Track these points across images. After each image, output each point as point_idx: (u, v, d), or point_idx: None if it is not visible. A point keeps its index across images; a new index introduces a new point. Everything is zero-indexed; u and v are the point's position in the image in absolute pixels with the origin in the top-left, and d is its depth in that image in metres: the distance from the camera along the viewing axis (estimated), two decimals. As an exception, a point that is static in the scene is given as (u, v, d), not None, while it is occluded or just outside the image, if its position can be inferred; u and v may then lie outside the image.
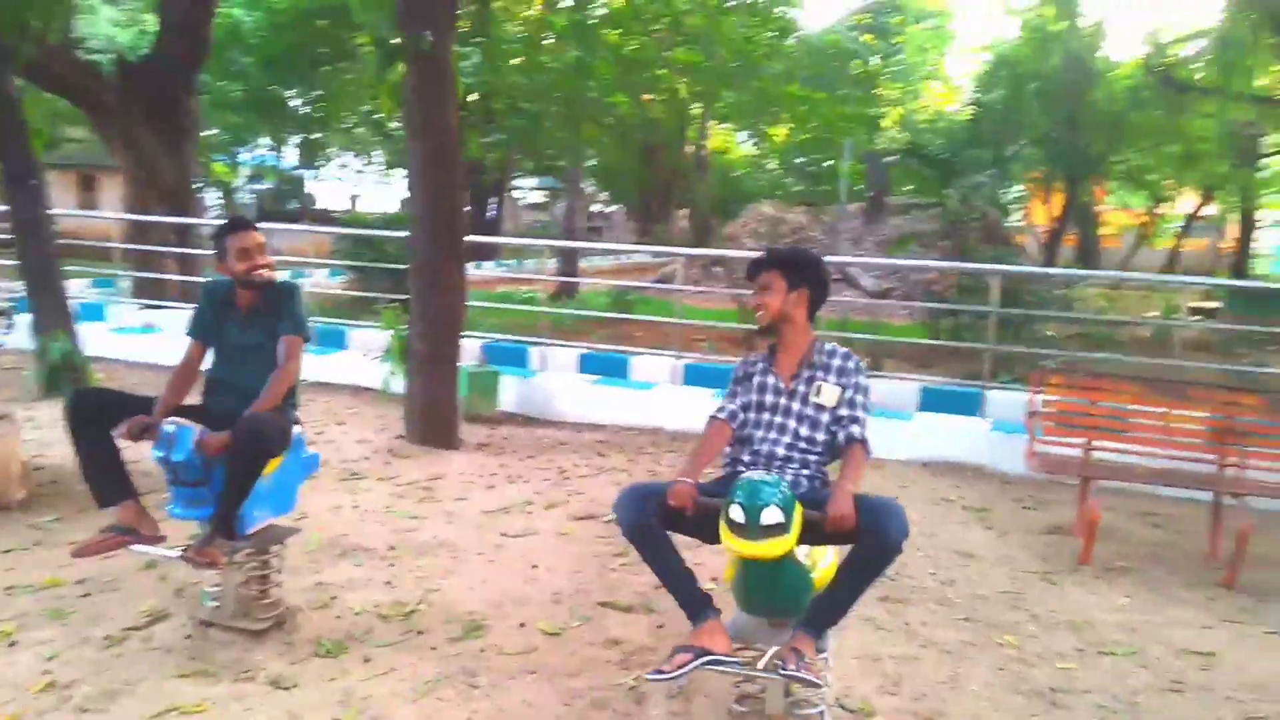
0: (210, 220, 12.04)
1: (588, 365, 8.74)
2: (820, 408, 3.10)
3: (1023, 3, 22.05)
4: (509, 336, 9.05)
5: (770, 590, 2.77)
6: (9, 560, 4.12)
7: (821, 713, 2.90)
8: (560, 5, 12.92)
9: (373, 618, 3.72)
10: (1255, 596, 4.40)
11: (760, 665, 2.82)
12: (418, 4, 5.67)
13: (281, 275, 3.76)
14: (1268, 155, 26.17)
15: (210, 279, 3.90)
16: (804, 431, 3.10)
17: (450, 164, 6.00)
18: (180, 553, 3.34)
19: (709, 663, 2.71)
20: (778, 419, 3.13)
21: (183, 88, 10.78)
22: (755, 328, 3.65)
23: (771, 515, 2.58)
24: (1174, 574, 4.65)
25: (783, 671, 2.65)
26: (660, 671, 2.70)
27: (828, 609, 2.81)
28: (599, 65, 11.45)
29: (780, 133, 15.91)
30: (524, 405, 7.66)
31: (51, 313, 7.36)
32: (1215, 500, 4.95)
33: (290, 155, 37.97)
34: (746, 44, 11.89)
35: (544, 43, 12.53)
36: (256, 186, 36.54)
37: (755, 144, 17.87)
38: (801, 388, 3.14)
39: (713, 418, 3.19)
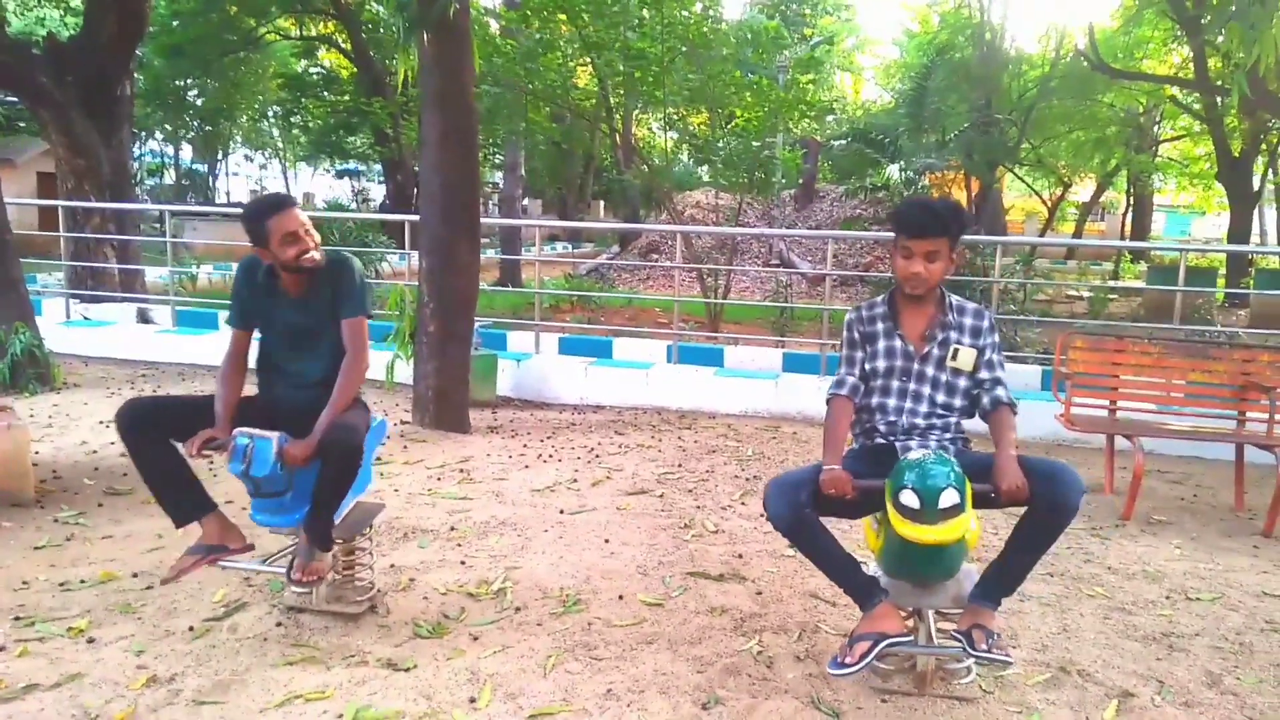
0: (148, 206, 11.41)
1: (566, 349, 8.62)
2: (958, 372, 2.88)
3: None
4: (488, 319, 8.86)
5: (936, 564, 2.65)
6: (48, 556, 3.84)
7: (969, 668, 2.90)
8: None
9: (461, 597, 3.58)
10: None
11: (923, 638, 2.81)
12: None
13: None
14: (1163, 141, 27.71)
15: (245, 259, 3.39)
16: (941, 398, 2.88)
17: (468, 139, 5.77)
18: (286, 572, 3.14)
19: (888, 646, 2.64)
20: (911, 386, 2.89)
21: (118, 69, 10.20)
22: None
23: (949, 498, 2.41)
24: (1208, 525, 4.81)
25: (975, 651, 2.58)
26: (843, 665, 2.61)
27: (1006, 578, 2.72)
28: (553, 51, 11.30)
29: (700, 120, 15.93)
30: (518, 389, 7.51)
31: (11, 306, 6.94)
32: (1239, 454, 5.14)
33: (187, 150, 36.42)
34: (695, 31, 11.85)
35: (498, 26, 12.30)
36: (153, 182, 34.89)
37: (676, 135, 17.84)
38: (935, 351, 2.88)
39: (834, 395, 2.93)
